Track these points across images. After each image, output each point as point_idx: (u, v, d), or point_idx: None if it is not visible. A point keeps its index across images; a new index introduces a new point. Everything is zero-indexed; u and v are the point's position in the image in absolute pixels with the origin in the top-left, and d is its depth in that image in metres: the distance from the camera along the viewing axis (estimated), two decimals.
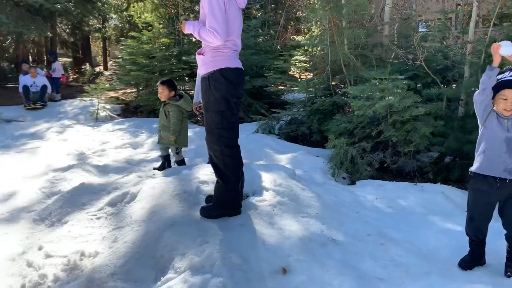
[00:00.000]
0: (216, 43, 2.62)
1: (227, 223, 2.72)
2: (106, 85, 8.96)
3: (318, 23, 7.58)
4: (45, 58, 21.10)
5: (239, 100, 2.92)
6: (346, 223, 3.05)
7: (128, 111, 9.35)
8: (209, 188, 3.25)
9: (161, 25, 10.26)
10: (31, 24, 12.24)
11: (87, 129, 7.35)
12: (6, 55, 21.80)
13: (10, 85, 13.02)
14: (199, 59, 2.80)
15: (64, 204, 3.40)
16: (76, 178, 4.13)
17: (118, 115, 9.10)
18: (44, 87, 9.41)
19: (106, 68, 22.35)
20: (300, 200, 3.19)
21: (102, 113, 8.61)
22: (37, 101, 9.18)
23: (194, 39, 9.35)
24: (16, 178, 4.63)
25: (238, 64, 2.79)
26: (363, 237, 2.90)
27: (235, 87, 2.77)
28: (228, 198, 2.79)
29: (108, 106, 9.08)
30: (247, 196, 3.18)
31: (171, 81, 4.47)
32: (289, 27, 13.97)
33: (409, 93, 4.67)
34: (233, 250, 2.40)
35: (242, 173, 2.92)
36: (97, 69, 22.18)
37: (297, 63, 8.58)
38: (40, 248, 2.78)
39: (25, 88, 9.22)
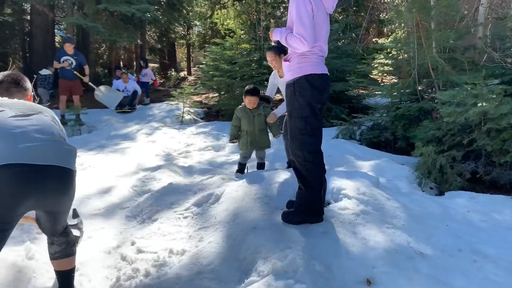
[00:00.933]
0: (303, 49, 2.63)
1: (309, 230, 2.70)
2: (191, 90, 9.36)
3: (403, 24, 7.29)
4: (135, 64, 22.64)
5: (323, 105, 2.91)
6: (435, 236, 2.88)
7: (211, 114, 9.71)
8: (290, 193, 3.27)
9: (242, 31, 10.53)
10: (123, 32, 13.18)
11: (173, 131, 7.74)
12: (101, 61, 23.70)
13: None
14: (285, 65, 2.83)
15: (154, 203, 3.61)
16: (164, 178, 4.37)
17: (202, 118, 9.47)
18: (134, 92, 10.15)
19: (189, 73, 23.38)
20: (385, 210, 3.08)
21: (187, 117, 9.02)
22: (127, 105, 9.90)
23: (274, 45, 9.48)
24: (110, 175, 5.00)
25: (324, 70, 2.77)
26: (454, 252, 2.73)
27: (320, 93, 2.76)
28: (311, 204, 2.77)
29: (192, 110, 9.49)
30: (329, 204, 3.14)
31: (256, 89, 4.53)
32: (371, 29, 13.59)
33: (507, 99, 4.30)
34: (316, 257, 2.38)
35: (325, 179, 2.89)
36: (182, 74, 23.28)
37: (379, 67, 8.32)
38: (132, 243, 2.97)
39: None
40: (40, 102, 9.40)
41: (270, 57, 4.19)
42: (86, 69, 8.65)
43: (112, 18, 13.14)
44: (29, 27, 19.53)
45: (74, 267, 2.42)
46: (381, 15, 12.54)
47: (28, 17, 19.85)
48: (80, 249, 3.07)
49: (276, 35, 2.78)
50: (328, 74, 2.83)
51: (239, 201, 3.20)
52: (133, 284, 2.51)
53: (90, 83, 8.82)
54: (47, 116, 2.24)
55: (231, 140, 4.46)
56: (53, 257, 2.36)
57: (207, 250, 2.68)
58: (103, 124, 8.58)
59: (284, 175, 3.59)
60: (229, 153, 6.20)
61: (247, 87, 4.43)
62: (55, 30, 17.64)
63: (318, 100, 2.76)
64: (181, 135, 7.44)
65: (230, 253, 2.60)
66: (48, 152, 2.02)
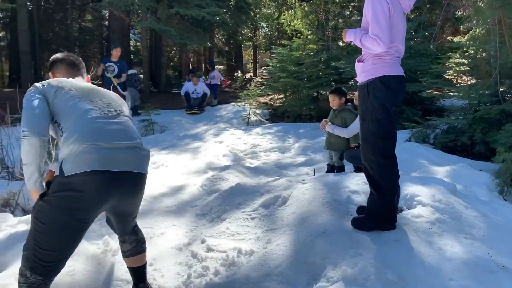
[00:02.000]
0: (379, 51, 2.55)
1: (380, 237, 2.61)
2: (257, 91, 9.46)
3: (481, 21, 6.83)
4: (203, 66, 23.34)
5: (397, 107, 2.80)
6: None
7: (276, 116, 9.74)
8: (360, 199, 3.18)
9: (309, 32, 10.46)
10: (194, 35, 13.63)
11: (239, 132, 7.88)
12: (171, 63, 24.66)
13: (175, 91, 14.69)
14: (358, 66, 2.76)
15: (223, 202, 3.69)
16: (232, 178, 4.45)
17: (267, 119, 9.54)
18: (204, 95, 10.49)
19: (255, 75, 23.67)
20: (463, 219, 2.89)
21: (253, 118, 9.13)
22: (196, 107, 10.26)
23: (342, 44, 9.30)
24: (181, 174, 5.19)
25: (399, 71, 2.67)
26: None
27: (395, 95, 2.66)
28: (383, 211, 2.67)
29: (258, 111, 9.59)
30: (401, 210, 3.01)
31: (340, 88, 4.55)
32: (446, 27, 12.90)
33: None
34: (388, 266, 2.29)
35: (398, 185, 2.78)
36: (248, 75, 23.62)
37: (454, 66, 7.86)
38: (202, 241, 3.05)
39: (187, 94, 10.42)
40: (133, 102, 10.00)
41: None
42: (123, 77, 8.75)
43: (183, 21, 13.65)
44: (107, 32, 20.86)
45: (146, 263, 2.51)
46: (457, 12, 11.87)
47: (106, 23, 21.22)
48: (153, 245, 3.22)
49: (349, 36, 2.72)
50: (404, 75, 2.72)
51: (307, 205, 3.17)
52: (203, 282, 2.58)
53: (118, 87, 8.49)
54: (126, 116, 2.26)
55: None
56: (126, 255, 2.44)
57: (275, 252, 2.68)
58: (174, 124, 8.93)
59: (353, 179, 3.51)
60: (295, 155, 6.18)
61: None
62: (130, 35, 18.66)
63: (393, 102, 2.66)
64: (247, 136, 7.54)
65: (298, 257, 2.58)
66: (131, 159, 2.06)
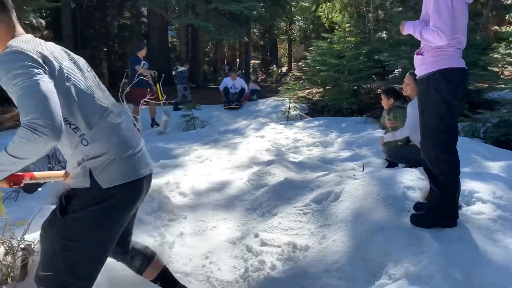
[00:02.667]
0: (440, 43, 2.47)
1: (442, 235, 2.54)
2: (297, 86, 9.41)
3: None
4: (237, 61, 23.42)
5: (458, 101, 2.71)
6: None
7: (316, 110, 9.65)
8: (416, 195, 3.11)
9: (348, 24, 10.28)
10: (231, 30, 13.69)
11: (280, 127, 7.86)
12: (207, 59, 24.86)
13: (212, 86, 14.83)
14: (417, 59, 2.69)
15: (272, 197, 3.70)
16: (278, 173, 4.44)
17: (306, 114, 9.48)
18: (242, 90, 10.56)
19: (290, 69, 23.52)
20: None
21: (293, 112, 9.09)
22: (235, 102, 10.33)
23: (386, 37, 9.10)
24: (225, 169, 5.23)
25: (461, 63, 2.58)
26: None
27: (456, 88, 2.57)
28: (444, 208, 2.60)
29: (297, 106, 9.54)
30: (460, 207, 2.92)
31: (387, 89, 4.46)
32: (492, 17, 12.37)
33: None
34: (454, 265, 2.23)
35: (459, 181, 2.70)
36: (283, 69, 23.52)
37: (501, 58, 7.53)
38: (256, 236, 3.07)
39: (226, 89, 10.52)
40: (184, 99, 10.20)
41: (407, 80, 4.10)
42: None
43: (221, 17, 13.72)
44: (145, 28, 21.25)
45: (165, 265, 2.33)
46: (505, 1, 11.36)
47: (145, 20, 21.61)
48: (207, 238, 3.27)
49: (408, 29, 2.65)
50: (466, 68, 2.63)
51: (361, 201, 3.13)
52: (261, 276, 2.60)
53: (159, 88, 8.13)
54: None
55: None
56: (142, 268, 2.21)
57: (331, 248, 2.67)
58: (214, 119, 9.02)
59: (407, 175, 3.43)
60: (339, 149, 6.12)
61: None
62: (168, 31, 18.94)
63: (454, 96, 2.58)
64: (288, 131, 7.52)
65: (357, 253, 2.55)
66: (147, 160, 1.91)
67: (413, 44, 7.34)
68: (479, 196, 3.00)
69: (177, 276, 2.73)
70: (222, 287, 2.61)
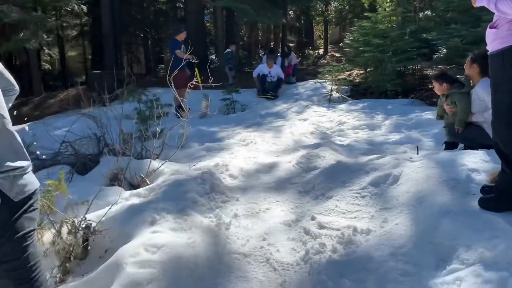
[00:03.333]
0: None
1: None
2: (340, 67, 9.21)
3: None
4: (271, 44, 23.14)
5: None
6: None
7: (358, 92, 9.42)
8: (481, 178, 2.97)
9: (389, 3, 9.91)
10: (268, 12, 13.49)
11: (323, 109, 7.73)
12: (241, 42, 24.72)
13: (247, 70, 14.71)
14: (490, 33, 2.52)
15: (325, 180, 3.62)
16: (328, 156, 4.35)
17: (348, 96, 9.27)
18: (279, 80, 10.06)
19: (326, 51, 23.09)
20: None
21: (335, 95, 8.91)
22: (270, 91, 9.87)
23: (432, 15, 8.71)
24: (271, 152, 5.19)
25: None
26: None
27: None
28: None
29: (340, 88, 9.34)
30: None
31: (438, 75, 4.28)
32: None
33: None
34: None
35: None
36: (319, 51, 23.10)
37: None
38: (312, 218, 3.01)
39: (263, 77, 10.00)
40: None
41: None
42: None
43: None
44: (181, 13, 21.34)
45: None
46: None
47: (181, 4, 21.67)
48: (262, 219, 3.24)
49: (481, 1, 2.48)
50: None
51: (422, 184, 3.02)
52: (323, 258, 2.54)
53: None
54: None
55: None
56: None
57: (395, 232, 2.58)
58: (254, 103, 8.97)
59: (469, 157, 3.27)
60: (387, 132, 5.95)
61: None
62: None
63: None
64: (331, 113, 7.39)
65: (423, 237, 2.45)
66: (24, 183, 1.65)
67: (464, 22, 6.99)
68: None
69: (236, 257, 2.73)
70: (283, 269, 2.58)
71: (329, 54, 22.00)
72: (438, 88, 4.19)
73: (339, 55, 17.46)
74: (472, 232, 2.35)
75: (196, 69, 8.02)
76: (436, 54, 8.85)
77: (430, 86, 8.79)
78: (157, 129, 6.15)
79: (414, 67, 8.88)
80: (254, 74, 10.40)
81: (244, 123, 7.05)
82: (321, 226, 2.89)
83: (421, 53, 8.63)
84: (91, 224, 3.01)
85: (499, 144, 2.51)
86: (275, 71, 10.23)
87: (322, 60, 20.02)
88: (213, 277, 2.50)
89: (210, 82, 5.34)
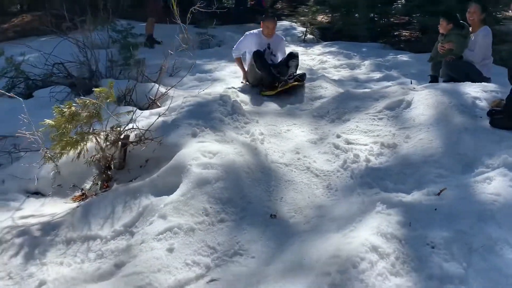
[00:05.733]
0: None
1: None
2: (317, 8, 9.30)
3: None
4: None
5: None
6: None
7: (328, 35, 9.60)
8: (483, 104, 3.37)
9: None
10: None
11: (301, 49, 7.87)
12: None
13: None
14: None
15: (339, 106, 3.87)
16: (329, 87, 4.57)
17: (320, 38, 9.44)
18: (288, 59, 9.67)
19: None
20: None
21: (309, 36, 9.07)
22: (281, 79, 9.47)
23: None
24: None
25: None
26: None
27: None
28: None
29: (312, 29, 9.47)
30: None
31: (450, 14, 4.64)
32: None
33: None
34: None
35: None
36: None
37: None
38: (338, 136, 3.28)
39: (259, 55, 9.56)
40: None
41: (473, 9, 4.33)
42: None
43: None
44: None
45: None
46: None
47: None
48: (286, 138, 3.47)
49: None
50: None
51: (434, 108, 3.36)
52: (360, 166, 2.84)
53: None
54: None
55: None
56: None
57: (421, 145, 2.92)
58: (228, 39, 8.89)
59: (470, 88, 3.66)
60: (369, 71, 6.28)
61: None
62: None
63: None
64: (311, 52, 7.59)
65: (448, 149, 2.82)
66: None
67: None
68: None
69: (277, 166, 2.96)
70: (325, 175, 2.86)
71: None
72: (444, 26, 4.51)
73: None
74: (492, 144, 2.76)
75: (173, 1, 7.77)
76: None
77: (396, 33, 9.25)
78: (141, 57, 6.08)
79: (383, 13, 9.18)
80: (235, 52, 5.32)
81: (226, 58, 7.04)
82: (348, 142, 3.18)
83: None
84: (128, 136, 3.07)
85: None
86: (277, 43, 5.24)
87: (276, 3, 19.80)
88: (267, 180, 2.73)
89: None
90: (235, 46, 5.32)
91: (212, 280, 1.89)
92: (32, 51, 5.35)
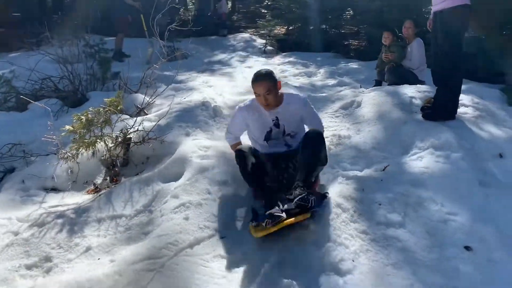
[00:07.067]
0: None
1: (448, 124, 3.64)
2: (275, 21, 10.11)
3: None
4: None
5: None
6: None
7: (285, 46, 10.43)
8: (418, 102, 4.19)
9: None
10: None
11: (263, 59, 8.65)
12: None
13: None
14: None
15: None
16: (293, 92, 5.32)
17: (278, 49, 10.26)
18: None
19: (234, 8, 23.44)
20: (496, 116, 4.00)
21: (269, 47, 9.86)
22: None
23: None
24: (238, 94, 5.94)
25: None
26: None
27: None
28: (448, 105, 3.70)
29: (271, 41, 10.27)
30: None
31: (391, 28, 5.51)
32: None
33: None
34: (463, 138, 3.35)
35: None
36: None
37: None
38: None
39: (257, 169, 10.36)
40: None
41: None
42: None
43: None
44: None
45: None
46: None
47: None
48: None
49: None
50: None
51: (379, 106, 4.15)
52: None
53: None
54: None
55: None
56: None
57: (369, 135, 3.68)
58: (193, 51, 9.50)
59: (407, 89, 4.49)
60: (324, 78, 7.11)
61: None
62: None
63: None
64: (271, 63, 8.35)
65: (390, 138, 3.59)
66: None
67: None
68: (462, 102, 4.15)
69: None
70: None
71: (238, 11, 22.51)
72: (389, 38, 5.38)
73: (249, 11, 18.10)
74: (424, 132, 3.55)
75: (142, 15, 8.34)
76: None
77: (346, 42, 10.22)
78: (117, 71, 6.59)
79: (334, 25, 10.15)
80: (228, 138, 3.39)
81: (195, 69, 7.67)
82: None
83: (342, 14, 9.97)
84: (130, 138, 3.65)
85: (439, 71, 3.70)
86: (292, 110, 3.19)
87: (234, 15, 20.59)
88: None
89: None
90: (226, 128, 3.41)
91: (222, 237, 2.52)
92: (6, 66, 5.76)
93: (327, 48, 9.62)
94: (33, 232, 2.67)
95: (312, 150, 2.74)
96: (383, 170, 3.09)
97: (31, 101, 4.33)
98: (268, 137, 3.07)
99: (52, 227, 2.70)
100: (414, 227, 2.50)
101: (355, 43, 10.17)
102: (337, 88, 6.28)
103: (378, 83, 5.68)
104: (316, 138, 2.81)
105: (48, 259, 2.43)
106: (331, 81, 6.84)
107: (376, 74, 5.80)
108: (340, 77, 7.01)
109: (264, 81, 2.92)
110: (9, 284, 2.25)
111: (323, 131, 3.04)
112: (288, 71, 7.64)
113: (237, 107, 3.22)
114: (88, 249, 2.50)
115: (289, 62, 8.37)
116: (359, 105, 4.32)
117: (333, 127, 4.05)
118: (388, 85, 5.34)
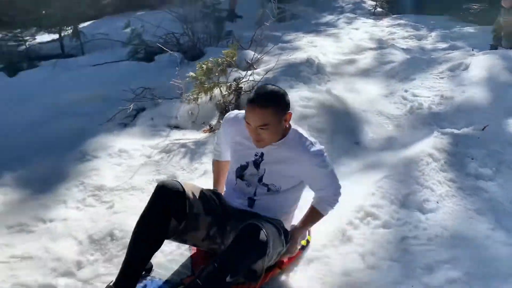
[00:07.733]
0: None
1: None
2: None
3: None
4: None
5: None
6: None
7: (397, 8, 10.06)
8: None
9: None
10: None
11: (370, 21, 8.52)
12: None
13: None
14: None
15: (407, 68, 4.64)
16: (398, 54, 5.31)
17: (388, 11, 9.95)
18: None
19: None
20: None
21: (379, 9, 9.64)
22: None
23: None
24: (341, 53, 6.08)
25: None
26: None
27: None
28: None
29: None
30: None
31: None
32: None
33: None
34: None
35: None
36: None
37: None
38: (405, 91, 4.09)
39: None
40: None
41: None
42: None
43: None
44: None
45: None
46: None
47: None
48: (363, 93, 4.31)
49: None
50: None
51: (489, 69, 4.08)
52: (423, 112, 3.67)
53: None
54: None
55: None
56: None
57: (475, 96, 3.69)
58: (302, 13, 9.66)
59: None
60: (435, 41, 6.86)
61: None
62: None
63: None
64: (380, 25, 8.21)
65: (495, 100, 3.56)
66: None
67: None
68: None
69: (355, 110, 3.84)
70: (395, 118, 3.72)
71: None
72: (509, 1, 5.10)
73: None
74: None
75: None
76: None
77: (465, 6, 9.52)
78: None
79: None
80: (214, 153, 2.36)
81: (301, 30, 7.87)
82: (414, 95, 3.99)
83: None
84: (241, 87, 4.08)
85: None
86: (285, 159, 1.94)
87: None
88: (348, 120, 3.64)
89: None
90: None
91: None
92: (136, 22, 6.59)
93: (442, 10, 9.10)
94: (162, 156, 3.26)
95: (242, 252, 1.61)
96: (483, 129, 3.12)
97: (164, 48, 4.90)
98: (240, 173, 2.00)
99: (176, 154, 3.26)
100: (504, 182, 2.57)
101: (475, 6, 9.43)
102: (447, 51, 6.08)
103: (493, 48, 5.40)
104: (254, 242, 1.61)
105: (174, 176, 2.98)
106: (442, 45, 6.59)
107: (492, 38, 5.50)
108: (452, 41, 6.72)
109: (265, 108, 1.72)
110: (144, 191, 2.84)
111: (339, 195, 1.98)
112: (397, 33, 7.48)
113: (228, 114, 2.13)
114: (205, 172, 3.01)
115: (398, 25, 8.14)
116: (466, 67, 4.25)
117: (436, 87, 4.09)
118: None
